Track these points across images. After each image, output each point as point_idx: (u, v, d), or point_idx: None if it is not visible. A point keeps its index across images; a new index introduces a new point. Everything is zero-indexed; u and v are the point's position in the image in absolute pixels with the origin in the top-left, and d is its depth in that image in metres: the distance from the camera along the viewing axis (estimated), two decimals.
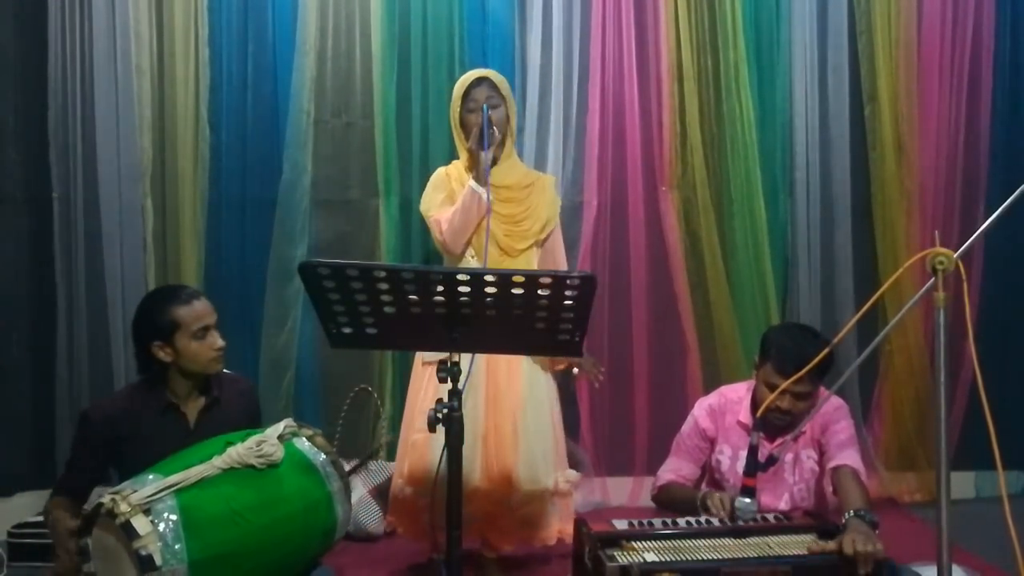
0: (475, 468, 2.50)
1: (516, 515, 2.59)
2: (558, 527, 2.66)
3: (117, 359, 3.31)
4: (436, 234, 2.68)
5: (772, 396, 2.30)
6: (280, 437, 2.09)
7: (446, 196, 2.68)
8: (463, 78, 2.76)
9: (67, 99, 3.33)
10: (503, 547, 2.65)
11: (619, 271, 3.55)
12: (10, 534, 2.92)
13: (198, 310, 2.25)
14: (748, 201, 3.54)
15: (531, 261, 2.72)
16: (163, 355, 2.23)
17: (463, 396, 1.83)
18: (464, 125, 2.70)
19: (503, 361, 2.61)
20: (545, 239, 2.78)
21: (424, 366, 2.65)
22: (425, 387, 2.61)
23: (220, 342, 2.27)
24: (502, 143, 2.71)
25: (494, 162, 2.68)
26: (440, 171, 2.80)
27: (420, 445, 2.55)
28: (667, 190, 3.56)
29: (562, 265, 2.87)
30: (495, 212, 2.65)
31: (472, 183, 2.61)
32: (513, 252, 2.68)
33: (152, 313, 2.26)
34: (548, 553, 2.72)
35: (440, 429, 1.78)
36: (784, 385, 2.26)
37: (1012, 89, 3.69)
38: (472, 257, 2.64)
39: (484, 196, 2.58)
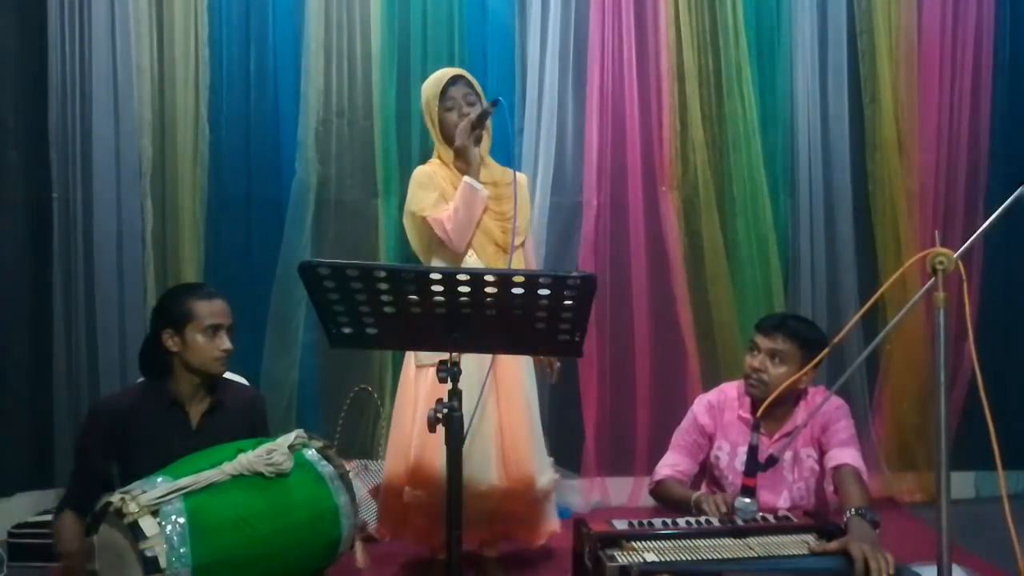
0: (493, 470, 2.50)
1: (539, 507, 2.60)
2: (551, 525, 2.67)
3: (116, 360, 3.30)
4: (438, 232, 2.57)
5: (790, 379, 2.35)
6: (291, 447, 2.09)
7: (439, 195, 2.60)
8: (437, 77, 2.66)
9: (67, 99, 3.33)
10: (533, 541, 2.64)
11: (619, 271, 3.55)
12: (10, 534, 2.93)
13: (215, 307, 2.28)
14: (750, 201, 3.55)
15: (520, 260, 2.68)
16: (171, 344, 2.25)
17: (478, 395, 1.81)
18: (443, 124, 2.64)
19: (510, 361, 2.59)
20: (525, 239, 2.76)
21: (420, 369, 2.57)
22: (428, 391, 2.51)
23: (227, 344, 2.28)
24: (479, 140, 2.66)
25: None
26: (424, 170, 2.68)
27: (429, 448, 2.47)
28: (667, 190, 3.56)
29: (535, 267, 2.85)
30: (491, 209, 2.63)
31: (468, 179, 2.56)
32: (509, 249, 2.63)
33: (172, 300, 2.31)
34: (546, 552, 2.71)
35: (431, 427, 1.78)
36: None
37: (1012, 89, 3.70)
38: (470, 256, 2.62)
39: (483, 191, 2.58)
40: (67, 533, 2.20)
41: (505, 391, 2.57)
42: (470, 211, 2.56)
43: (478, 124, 2.59)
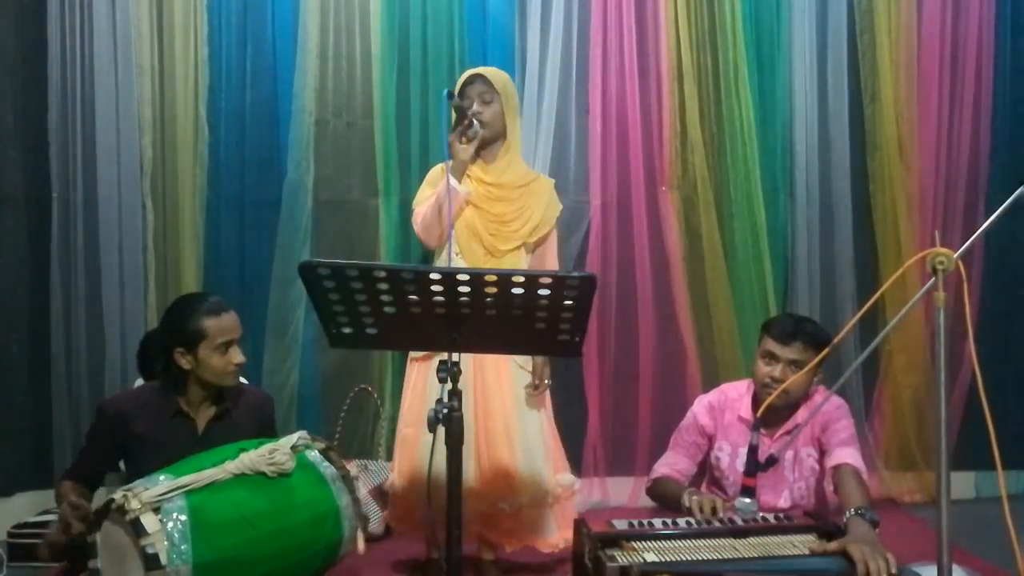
0: (468, 469, 2.49)
1: (519, 517, 2.55)
2: (562, 534, 2.58)
3: (116, 359, 3.31)
4: (414, 226, 2.70)
5: (789, 381, 2.37)
6: (293, 447, 2.10)
7: (435, 192, 2.65)
8: (460, 79, 2.72)
9: (67, 99, 3.33)
10: (504, 545, 2.62)
11: (622, 271, 3.55)
12: (10, 534, 2.92)
13: (225, 324, 2.27)
14: (748, 201, 3.55)
15: (517, 263, 2.65)
16: (184, 363, 2.26)
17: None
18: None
19: (490, 362, 2.59)
20: (536, 243, 2.71)
21: (412, 362, 2.64)
22: (414, 383, 2.61)
23: (240, 358, 2.29)
24: (495, 139, 2.66)
25: (491, 159, 2.67)
26: (437, 167, 2.76)
27: (409, 440, 2.56)
28: (667, 190, 3.56)
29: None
30: (483, 210, 2.62)
31: (449, 177, 2.57)
32: (497, 253, 2.62)
33: (182, 320, 2.28)
34: (549, 557, 2.70)
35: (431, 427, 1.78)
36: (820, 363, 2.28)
37: (1012, 89, 3.70)
38: (457, 255, 2.61)
39: (459, 189, 2.57)
40: (66, 489, 2.23)
41: (483, 397, 2.56)
42: (440, 209, 2.58)
43: (458, 121, 2.61)
